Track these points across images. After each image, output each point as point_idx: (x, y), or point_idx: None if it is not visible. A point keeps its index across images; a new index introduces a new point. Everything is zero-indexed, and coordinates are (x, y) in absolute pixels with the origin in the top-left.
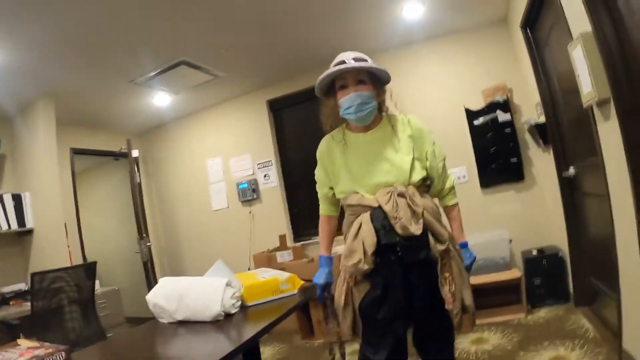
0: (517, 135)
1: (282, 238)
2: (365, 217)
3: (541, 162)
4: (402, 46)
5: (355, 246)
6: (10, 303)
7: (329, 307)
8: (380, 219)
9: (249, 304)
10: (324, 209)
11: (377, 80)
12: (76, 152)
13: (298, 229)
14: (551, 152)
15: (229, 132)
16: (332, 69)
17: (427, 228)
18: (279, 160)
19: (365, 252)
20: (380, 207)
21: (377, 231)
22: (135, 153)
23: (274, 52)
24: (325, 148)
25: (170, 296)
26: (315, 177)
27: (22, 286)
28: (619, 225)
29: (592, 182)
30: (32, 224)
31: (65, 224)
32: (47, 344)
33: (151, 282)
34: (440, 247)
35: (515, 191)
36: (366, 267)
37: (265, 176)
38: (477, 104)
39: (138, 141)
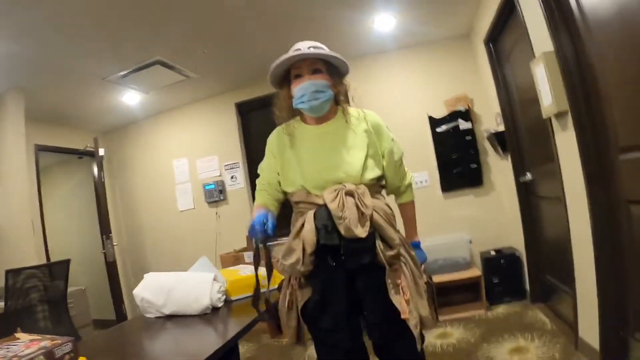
0: (477, 142)
1: (249, 239)
2: (309, 215)
3: (499, 168)
4: (372, 55)
5: (295, 245)
6: None
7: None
8: (324, 218)
9: (233, 298)
10: (262, 199)
11: (334, 71)
12: (40, 148)
13: None
14: (509, 158)
15: (196, 133)
16: (286, 55)
17: (375, 231)
18: (246, 162)
19: (304, 252)
20: (325, 205)
21: (318, 230)
22: (101, 152)
23: (245, 57)
24: (275, 139)
25: (159, 290)
26: (259, 169)
27: None
28: (574, 225)
29: (548, 187)
30: None
31: (32, 221)
32: (48, 335)
33: (115, 282)
34: (390, 253)
35: (475, 195)
36: (303, 268)
37: (232, 178)
38: (440, 113)
39: (103, 139)
